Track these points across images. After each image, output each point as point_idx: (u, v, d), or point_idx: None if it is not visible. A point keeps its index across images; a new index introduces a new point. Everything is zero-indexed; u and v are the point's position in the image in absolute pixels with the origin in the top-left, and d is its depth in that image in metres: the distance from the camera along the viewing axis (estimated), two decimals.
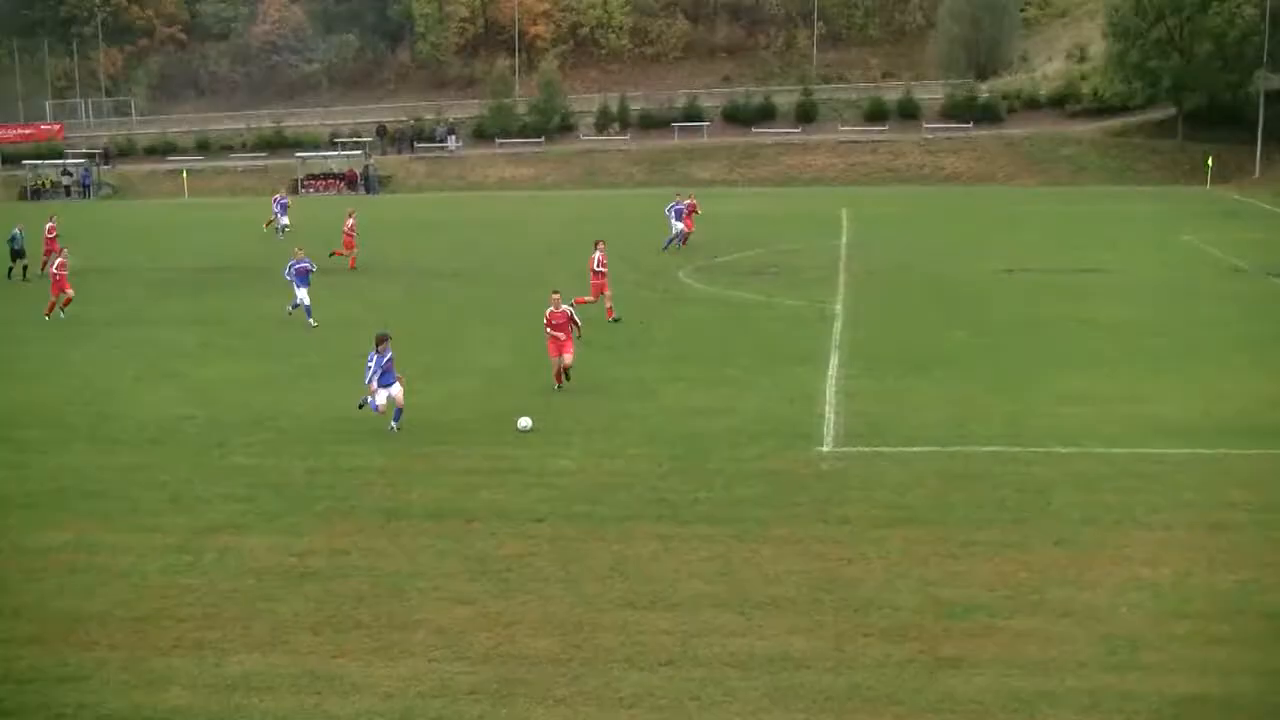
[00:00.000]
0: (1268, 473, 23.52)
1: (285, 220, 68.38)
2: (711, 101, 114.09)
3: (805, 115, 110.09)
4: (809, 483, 23.50)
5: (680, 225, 57.60)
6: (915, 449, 25.41)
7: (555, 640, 16.84)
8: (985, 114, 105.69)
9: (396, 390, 26.80)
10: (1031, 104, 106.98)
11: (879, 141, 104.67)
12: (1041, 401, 29.08)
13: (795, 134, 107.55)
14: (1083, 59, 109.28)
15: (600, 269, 39.94)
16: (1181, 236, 59.28)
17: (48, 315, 42.85)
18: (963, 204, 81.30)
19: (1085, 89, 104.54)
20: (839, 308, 42.13)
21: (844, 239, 61.81)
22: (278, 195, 75.61)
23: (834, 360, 33.89)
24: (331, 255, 53.11)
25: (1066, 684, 15.32)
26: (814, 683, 15.50)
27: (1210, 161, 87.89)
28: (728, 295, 45.05)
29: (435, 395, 30.63)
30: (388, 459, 25.41)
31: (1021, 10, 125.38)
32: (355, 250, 54.50)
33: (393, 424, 26.80)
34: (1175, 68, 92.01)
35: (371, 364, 26.53)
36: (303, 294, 40.15)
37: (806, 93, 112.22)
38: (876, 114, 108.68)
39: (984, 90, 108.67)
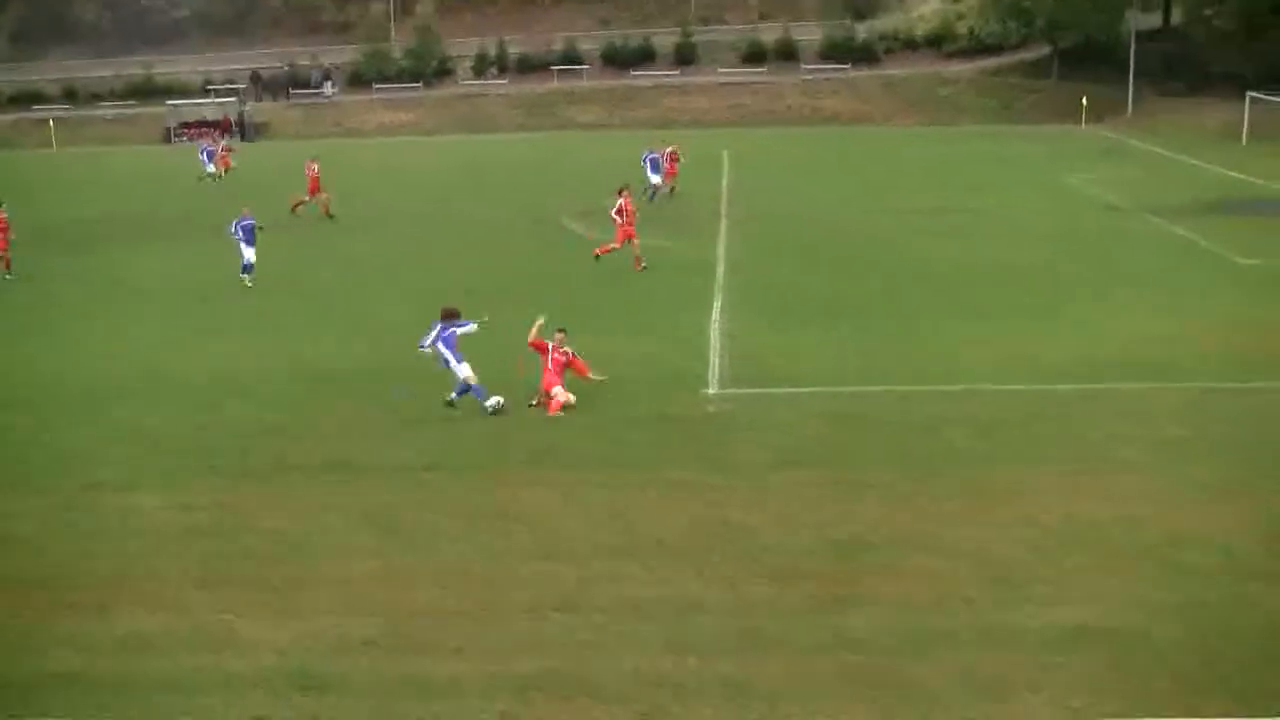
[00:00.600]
0: (1150, 407, 23.98)
1: (211, 168, 67.32)
2: (590, 44, 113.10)
3: (684, 58, 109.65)
4: (697, 426, 23.61)
5: (658, 177, 55.06)
6: (801, 390, 25.59)
7: (449, 591, 16.78)
8: (863, 55, 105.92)
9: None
10: (909, 44, 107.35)
11: (758, 83, 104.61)
12: (927, 342, 29.37)
13: (674, 76, 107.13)
14: None
15: (622, 215, 38.90)
16: (1060, 176, 59.96)
17: None
18: (842, 145, 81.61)
19: (961, 29, 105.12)
20: (721, 251, 42.20)
21: (724, 182, 61.81)
22: (204, 143, 74.50)
23: (717, 304, 33.96)
24: (294, 209, 52.72)
25: (959, 621, 15.54)
26: (710, 627, 15.59)
27: (1085, 100, 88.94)
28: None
29: (327, 348, 30.33)
30: (277, 414, 25.10)
31: None
32: (325, 195, 53.42)
33: (453, 395, 25.26)
34: (1048, 7, 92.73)
35: (433, 332, 25.14)
36: (249, 253, 38.91)
37: (685, 35, 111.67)
38: (755, 56, 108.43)
39: (861, 31, 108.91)
